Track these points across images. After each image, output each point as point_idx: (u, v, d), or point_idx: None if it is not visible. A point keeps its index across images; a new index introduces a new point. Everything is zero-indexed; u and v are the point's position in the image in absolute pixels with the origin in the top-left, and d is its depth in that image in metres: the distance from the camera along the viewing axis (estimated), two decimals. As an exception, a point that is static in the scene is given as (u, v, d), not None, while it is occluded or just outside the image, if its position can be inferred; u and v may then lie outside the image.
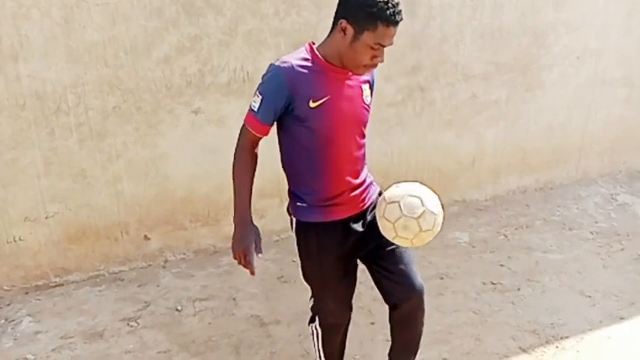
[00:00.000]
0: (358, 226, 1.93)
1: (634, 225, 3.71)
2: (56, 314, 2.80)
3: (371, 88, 1.92)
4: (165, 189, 3.12)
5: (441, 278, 3.06)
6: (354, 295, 2.92)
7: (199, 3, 2.88)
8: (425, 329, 2.59)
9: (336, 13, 1.74)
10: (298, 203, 1.90)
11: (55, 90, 2.74)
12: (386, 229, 1.76)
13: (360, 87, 1.84)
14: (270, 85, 1.74)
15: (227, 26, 2.97)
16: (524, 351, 2.51)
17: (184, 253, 3.29)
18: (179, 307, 2.85)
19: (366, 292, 2.93)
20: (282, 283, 3.06)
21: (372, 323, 2.69)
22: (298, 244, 1.96)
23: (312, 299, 2.08)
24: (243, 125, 1.82)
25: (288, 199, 1.99)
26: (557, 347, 2.53)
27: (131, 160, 3.00)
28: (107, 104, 2.86)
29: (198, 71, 2.98)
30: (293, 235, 1.98)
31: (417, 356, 2.37)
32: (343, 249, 1.93)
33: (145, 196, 3.09)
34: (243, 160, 1.84)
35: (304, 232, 1.92)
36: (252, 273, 1.84)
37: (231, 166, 1.85)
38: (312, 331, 2.13)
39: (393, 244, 1.86)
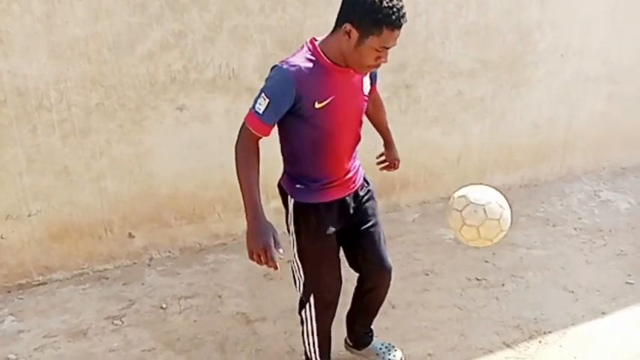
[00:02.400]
0: (351, 204, 2.05)
1: (616, 221, 3.75)
2: (39, 313, 2.77)
3: (371, 78, 2.02)
4: (150, 186, 3.10)
5: (427, 274, 3.07)
6: (342, 292, 2.94)
7: (184, -1, 2.86)
8: (410, 325, 2.63)
9: (340, 15, 1.76)
10: (297, 185, 1.97)
11: (37, 86, 2.71)
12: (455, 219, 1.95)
13: (362, 80, 1.91)
14: (277, 89, 1.75)
15: (212, 22, 2.95)
16: (508, 346, 2.53)
17: (169, 251, 3.27)
18: (164, 305, 2.83)
19: (351, 288, 2.95)
20: (267, 280, 3.05)
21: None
22: (296, 223, 1.99)
23: (304, 283, 2.06)
24: (244, 126, 1.82)
25: (282, 179, 2.04)
26: (540, 342, 2.55)
27: (115, 157, 2.97)
28: (90, 101, 2.83)
29: (182, 67, 2.96)
30: (290, 212, 2.00)
31: (403, 352, 2.41)
32: (339, 225, 2.03)
33: (129, 194, 3.06)
34: (247, 158, 1.82)
35: (304, 211, 1.97)
36: (276, 268, 1.75)
37: (235, 166, 1.83)
38: (305, 318, 2.12)
39: (372, 224, 2.08)
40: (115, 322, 2.71)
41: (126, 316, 2.76)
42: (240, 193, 1.82)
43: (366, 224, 2.09)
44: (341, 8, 1.75)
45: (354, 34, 1.70)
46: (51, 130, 2.79)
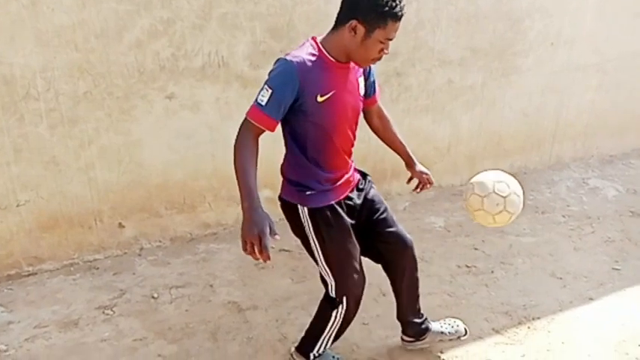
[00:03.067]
0: (357, 199, 2.09)
1: (604, 208, 3.80)
2: (29, 303, 2.76)
3: (366, 80, 2.06)
4: (140, 176, 3.08)
5: (340, 318, 3.07)
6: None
7: (172, -14, 2.82)
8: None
9: (342, 13, 1.81)
10: (308, 192, 1.96)
11: (23, 75, 2.67)
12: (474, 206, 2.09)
13: (357, 80, 1.97)
14: (281, 80, 1.76)
15: (201, 9, 2.92)
16: (497, 332, 2.56)
17: (160, 241, 3.26)
18: (155, 295, 2.83)
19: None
20: (259, 269, 3.06)
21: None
22: (316, 230, 1.98)
23: (336, 287, 2.05)
24: (246, 120, 1.79)
25: (285, 192, 2.03)
26: (528, 328, 2.58)
27: (104, 146, 2.95)
28: (78, 89, 2.80)
29: (171, 55, 2.93)
30: (306, 221, 1.98)
31: (392, 339, 2.44)
32: (352, 220, 2.05)
33: (118, 184, 3.04)
34: (245, 149, 1.78)
35: (320, 216, 1.97)
36: (268, 258, 1.70)
37: (233, 158, 1.79)
38: (335, 317, 2.10)
39: (383, 210, 2.12)
40: (106, 311, 2.71)
41: (117, 305, 2.75)
42: (234, 182, 1.80)
43: (377, 213, 2.13)
44: (343, 7, 1.81)
45: (360, 29, 1.76)
46: (38, 119, 2.76)
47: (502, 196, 2.06)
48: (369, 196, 2.13)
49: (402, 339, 2.42)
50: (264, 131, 1.80)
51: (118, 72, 2.85)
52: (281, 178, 2.07)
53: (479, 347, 2.46)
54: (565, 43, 4.11)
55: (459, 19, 3.64)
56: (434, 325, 2.40)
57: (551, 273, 3.03)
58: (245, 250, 1.72)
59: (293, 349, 2.30)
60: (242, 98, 3.17)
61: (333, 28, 1.84)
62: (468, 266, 3.08)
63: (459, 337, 2.41)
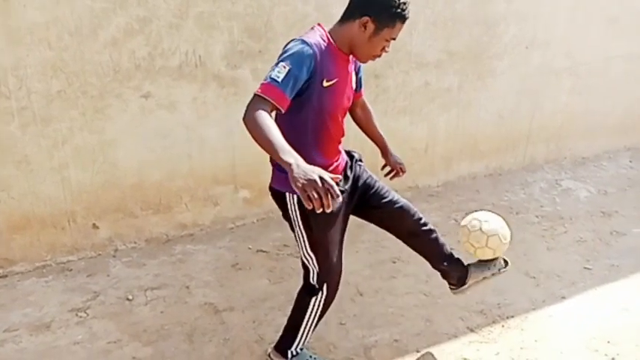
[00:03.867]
0: (346, 186, 2.08)
1: (577, 209, 3.88)
2: (-1, 306, 2.70)
3: (356, 74, 2.11)
4: (114, 176, 3.04)
5: (394, 262, 3.11)
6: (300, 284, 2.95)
7: (148, -16, 2.80)
8: (377, 312, 2.67)
9: (354, 8, 1.86)
10: None
11: (-6, 72, 2.61)
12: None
13: (351, 74, 2.03)
14: (298, 58, 1.75)
15: (177, 8, 2.90)
16: (472, 330, 2.59)
17: (135, 242, 3.22)
18: (130, 297, 2.79)
19: (320, 277, 2.97)
20: (236, 270, 3.04)
21: (326, 308, 2.71)
22: (304, 219, 1.97)
23: (319, 273, 2.08)
24: (258, 96, 1.70)
25: (274, 181, 2.03)
26: (502, 326, 2.62)
27: (78, 146, 2.90)
28: (51, 88, 2.75)
29: (147, 54, 2.90)
30: (295, 209, 1.97)
31: (369, 339, 2.45)
32: (342, 207, 2.04)
33: (92, 184, 3.00)
34: (265, 118, 1.64)
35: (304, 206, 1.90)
36: (338, 196, 1.49)
37: (249, 129, 1.65)
38: (314, 304, 2.13)
39: (373, 187, 2.18)
40: (80, 314, 2.66)
41: (91, 308, 2.71)
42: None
43: (369, 190, 2.18)
44: (355, 2, 1.87)
45: (370, 26, 1.83)
46: (10, 117, 2.70)
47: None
48: (359, 176, 2.16)
49: (451, 289, 2.46)
50: (274, 109, 1.72)
51: (93, 70, 2.81)
52: (268, 171, 2.05)
53: (454, 346, 2.49)
54: (539, 46, 4.19)
55: (435, 22, 3.68)
56: (472, 267, 2.40)
57: (525, 272, 3.08)
58: (309, 201, 1.47)
59: (270, 349, 2.29)
60: (219, 98, 3.15)
61: (342, 21, 1.89)
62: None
63: (499, 271, 2.42)
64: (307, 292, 2.14)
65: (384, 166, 2.45)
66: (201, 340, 2.50)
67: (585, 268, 3.13)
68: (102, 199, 3.05)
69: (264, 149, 1.62)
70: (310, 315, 2.16)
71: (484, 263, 2.39)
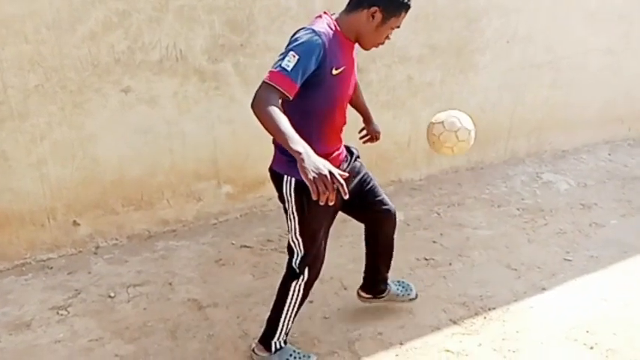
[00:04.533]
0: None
1: (557, 202, 3.93)
2: (-23, 305, 2.65)
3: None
4: (95, 172, 3.00)
5: (304, 297, 3.10)
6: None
7: (127, -23, 2.75)
8: (360, 305, 2.67)
9: (360, 0, 1.89)
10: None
11: (-32, 66, 2.56)
12: (433, 144, 2.22)
13: (356, 61, 2.08)
14: (308, 47, 1.78)
15: (158, 2, 2.86)
16: (454, 322, 2.62)
17: (117, 239, 3.19)
18: (112, 294, 2.76)
19: (304, 271, 2.97)
20: (220, 266, 3.03)
21: (311, 302, 2.71)
22: (299, 202, 2.02)
23: (303, 257, 2.13)
24: (265, 84, 1.73)
25: (275, 163, 2.07)
26: (484, 318, 2.65)
27: (57, 141, 2.85)
28: (28, 82, 2.70)
29: (127, 48, 2.86)
30: (290, 192, 2.02)
31: (353, 332, 2.46)
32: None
33: (72, 180, 2.95)
34: (274, 108, 1.69)
35: (304, 191, 1.94)
36: (345, 193, 1.58)
37: (259, 117, 1.70)
38: (294, 290, 2.17)
39: (369, 183, 2.27)
40: (61, 312, 2.63)
41: (72, 306, 2.68)
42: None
43: (364, 185, 2.27)
44: None
45: (378, 16, 1.88)
46: (-15, 113, 2.65)
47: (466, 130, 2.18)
48: (357, 171, 2.23)
49: (359, 295, 2.61)
50: (282, 97, 1.75)
51: (71, 65, 2.77)
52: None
53: (437, 338, 2.51)
54: (520, 41, 4.22)
55: (417, 16, 3.68)
56: (392, 287, 2.62)
57: (507, 264, 3.11)
58: (317, 193, 1.54)
59: (254, 344, 2.30)
60: (200, 92, 3.12)
61: (349, 10, 1.93)
62: (426, 259, 3.14)
63: (410, 300, 2.64)
64: (289, 276, 2.18)
65: (361, 130, 2.53)
66: (185, 336, 2.49)
67: (565, 259, 3.18)
68: (82, 196, 3.01)
69: (274, 136, 1.70)
70: (291, 300, 2.18)
71: (399, 288, 2.63)
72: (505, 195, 4.01)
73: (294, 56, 1.75)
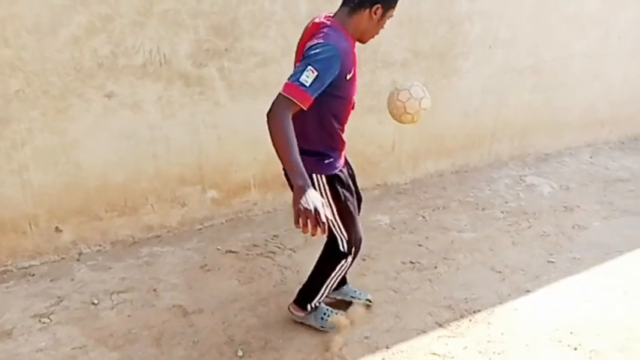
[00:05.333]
0: (347, 170, 2.36)
1: (540, 204, 3.98)
2: (-43, 314, 2.60)
3: None
4: (78, 177, 2.96)
5: (364, 259, 3.13)
6: (279, 280, 2.95)
7: (110, -19, 2.73)
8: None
9: (362, 0, 2.01)
10: (326, 161, 2.18)
11: (-53, 71, 2.51)
12: (398, 109, 2.29)
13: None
14: (327, 65, 1.88)
15: (141, 6, 2.84)
16: (440, 325, 2.63)
17: (100, 245, 3.15)
18: (95, 301, 2.73)
19: (291, 276, 2.96)
20: (205, 272, 3.01)
21: (297, 307, 2.71)
22: (333, 194, 2.20)
23: (348, 240, 2.32)
24: (284, 97, 1.84)
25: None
26: (470, 320, 2.67)
27: (38, 147, 2.82)
28: (9, 87, 2.66)
29: (110, 53, 2.84)
30: (323, 186, 2.18)
31: (340, 337, 2.47)
32: (350, 183, 2.33)
33: (55, 186, 2.91)
34: (288, 126, 1.82)
35: (337, 180, 2.21)
36: (324, 232, 1.71)
37: (274, 136, 1.82)
38: (339, 268, 2.39)
39: (355, 180, 2.44)
40: (43, 320, 2.58)
41: (54, 313, 2.63)
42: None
43: (354, 182, 2.43)
44: None
45: (379, 12, 2.03)
46: (-35, 118, 2.61)
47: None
48: (350, 168, 2.45)
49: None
50: (298, 109, 1.87)
51: (53, 69, 2.73)
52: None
53: (423, 341, 2.52)
54: (503, 45, 4.27)
55: (401, 21, 3.71)
56: (350, 286, 2.77)
57: (491, 267, 3.14)
58: (298, 223, 1.71)
59: (290, 305, 2.55)
60: (185, 97, 3.11)
61: (352, 12, 2.03)
62: (412, 262, 3.15)
63: (366, 300, 2.73)
64: (334, 257, 2.37)
65: None
66: (170, 343, 2.46)
67: (549, 261, 3.22)
68: (65, 202, 2.97)
69: (281, 158, 1.81)
70: (334, 276, 2.41)
71: (358, 292, 2.74)
72: (489, 198, 4.04)
73: (312, 72, 1.84)
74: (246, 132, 3.35)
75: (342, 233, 2.30)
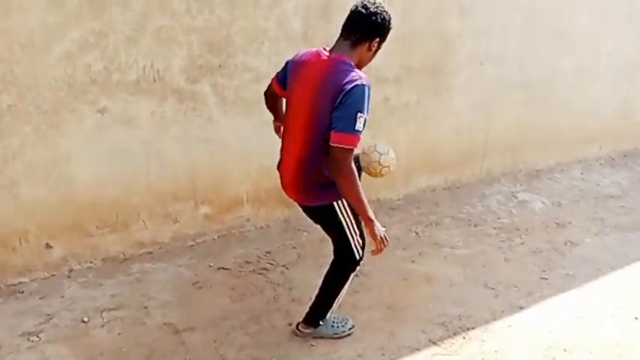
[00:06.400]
0: None
1: (532, 220, 3.99)
2: (-57, 333, 2.55)
3: None
4: (69, 193, 2.94)
5: (357, 276, 3.10)
6: (272, 297, 2.93)
7: (104, -3, 2.74)
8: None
9: (365, 33, 2.14)
10: None
11: (-62, 86, 2.50)
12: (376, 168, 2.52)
13: None
14: (369, 105, 2.08)
15: (135, 22, 2.85)
16: (434, 343, 2.61)
17: (91, 261, 3.11)
18: (85, 319, 2.69)
19: (283, 293, 2.94)
20: (197, 289, 2.98)
21: (289, 324, 2.69)
22: (354, 215, 2.33)
23: (362, 245, 2.43)
24: (348, 149, 2.04)
25: (317, 199, 2.29)
26: (464, 338, 2.66)
27: (30, 162, 2.80)
28: (1, 102, 2.65)
29: (103, 68, 2.84)
30: (345, 210, 2.30)
31: (333, 355, 2.44)
32: None
33: (46, 201, 2.89)
34: (356, 175, 2.09)
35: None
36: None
37: (349, 187, 2.09)
38: (352, 276, 2.49)
39: None
40: (31, 338, 2.54)
41: (43, 331, 2.59)
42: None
43: None
44: (367, 30, 2.14)
45: (377, 44, 2.19)
46: (-45, 133, 2.58)
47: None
48: None
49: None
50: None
51: (46, 85, 2.73)
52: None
53: (417, 359, 2.50)
54: (493, 62, 4.32)
55: (393, 38, 3.71)
56: (329, 316, 2.68)
57: (484, 284, 3.14)
58: (381, 251, 2.23)
59: (300, 325, 2.56)
60: (178, 113, 3.11)
61: (354, 46, 2.15)
62: (405, 279, 3.14)
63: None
64: (346, 267, 2.45)
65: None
66: (161, 361, 2.43)
67: (542, 278, 3.22)
68: (56, 217, 2.94)
69: (354, 202, 2.14)
70: (346, 285, 2.49)
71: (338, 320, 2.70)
72: (481, 214, 4.06)
73: (362, 117, 2.03)
74: (239, 147, 3.35)
75: (359, 246, 2.42)
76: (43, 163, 2.83)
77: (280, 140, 2.43)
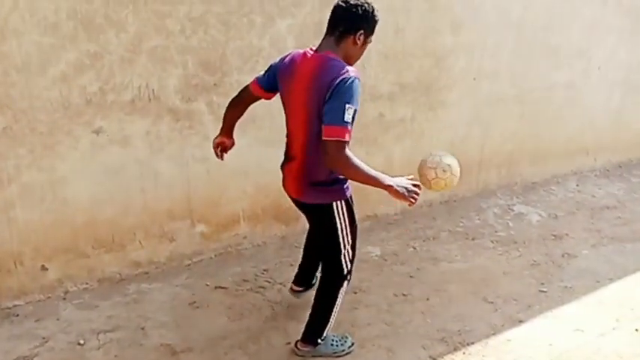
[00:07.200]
0: None
1: (529, 233, 3.99)
2: (-63, 358, 2.52)
3: None
4: (65, 214, 2.93)
5: (355, 292, 3.10)
6: (270, 316, 2.91)
7: (99, 19, 2.75)
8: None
9: (348, 25, 2.13)
10: (345, 185, 2.32)
11: None
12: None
13: None
14: (358, 98, 2.06)
15: (130, 43, 2.87)
16: (434, 359, 2.59)
17: (87, 283, 3.09)
18: (81, 341, 2.66)
19: (281, 311, 2.92)
20: (194, 309, 2.96)
21: (288, 343, 2.66)
22: (349, 217, 2.34)
23: (351, 260, 2.43)
24: (342, 142, 2.01)
25: (315, 197, 2.29)
26: (464, 353, 2.64)
27: (25, 184, 2.79)
28: (-4, 125, 2.65)
29: (99, 89, 2.85)
30: (341, 211, 2.30)
31: None
32: None
33: (41, 223, 2.87)
34: (352, 158, 2.05)
35: (350, 204, 2.36)
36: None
37: (351, 172, 2.08)
38: (341, 292, 2.47)
39: None
40: (26, 362, 2.52)
41: (38, 355, 2.56)
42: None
43: None
44: (347, 20, 2.13)
45: (362, 37, 2.17)
46: (-50, 156, 2.58)
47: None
48: None
49: (294, 290, 2.88)
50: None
51: (42, 107, 2.73)
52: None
53: (417, 376, 2.48)
54: (486, 77, 4.36)
55: (387, 55, 3.78)
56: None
57: (483, 298, 3.12)
58: (413, 203, 2.14)
59: (298, 343, 2.54)
60: (174, 132, 3.11)
61: (338, 40, 2.15)
62: (404, 294, 3.13)
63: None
64: (338, 281, 2.44)
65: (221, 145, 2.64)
66: (158, 383, 2.40)
67: (540, 290, 3.21)
68: (51, 239, 2.93)
69: (367, 183, 2.08)
70: (339, 299, 2.47)
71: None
72: (479, 227, 4.05)
73: (351, 108, 2.01)
74: (235, 165, 3.35)
75: (349, 255, 2.41)
76: (38, 184, 2.82)
77: (281, 141, 2.45)
